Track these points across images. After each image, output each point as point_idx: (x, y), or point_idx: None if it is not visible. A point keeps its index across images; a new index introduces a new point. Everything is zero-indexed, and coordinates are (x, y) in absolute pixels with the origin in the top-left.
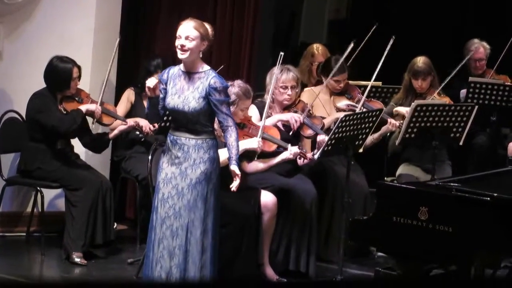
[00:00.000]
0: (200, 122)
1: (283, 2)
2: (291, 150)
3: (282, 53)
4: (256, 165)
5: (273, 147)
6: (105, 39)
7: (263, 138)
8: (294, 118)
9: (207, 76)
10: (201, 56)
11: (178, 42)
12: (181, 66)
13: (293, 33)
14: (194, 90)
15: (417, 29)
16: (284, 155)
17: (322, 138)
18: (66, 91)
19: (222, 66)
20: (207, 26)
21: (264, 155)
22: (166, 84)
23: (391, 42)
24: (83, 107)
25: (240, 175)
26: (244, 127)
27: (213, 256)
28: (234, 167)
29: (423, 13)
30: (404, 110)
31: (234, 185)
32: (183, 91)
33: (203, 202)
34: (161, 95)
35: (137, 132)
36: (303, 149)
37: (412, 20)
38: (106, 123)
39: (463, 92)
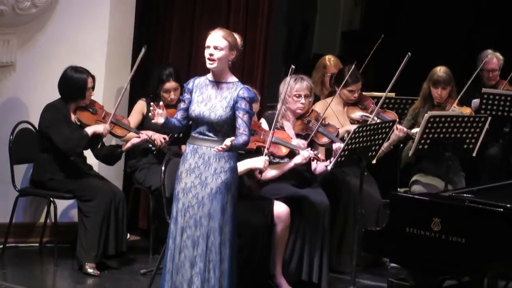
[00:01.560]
0: (222, 131)
1: (296, 13)
2: (304, 154)
3: (293, 66)
4: (270, 172)
5: (286, 151)
6: (118, 50)
7: (275, 143)
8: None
9: (236, 87)
10: (230, 66)
11: (207, 52)
12: (209, 76)
13: (306, 44)
14: (222, 99)
15: (429, 40)
16: (297, 159)
17: (338, 145)
18: (80, 102)
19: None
20: (236, 36)
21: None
22: (191, 93)
23: (406, 58)
24: (90, 130)
25: (227, 147)
26: (255, 134)
27: (232, 266)
28: (228, 141)
29: (435, 24)
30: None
31: (221, 147)
32: (210, 99)
33: (222, 212)
34: (182, 105)
35: (150, 145)
36: (316, 151)
37: (424, 31)
38: (119, 135)
39: (474, 101)
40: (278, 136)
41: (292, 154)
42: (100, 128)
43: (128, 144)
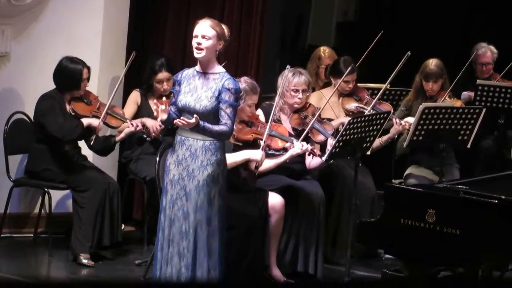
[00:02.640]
0: (209, 122)
1: (290, 5)
2: (300, 146)
3: (289, 66)
4: (266, 163)
5: (282, 144)
6: (113, 41)
7: (271, 135)
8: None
9: (222, 78)
10: (217, 56)
11: (194, 41)
12: (197, 67)
13: (301, 35)
14: (208, 89)
15: (425, 31)
16: (293, 151)
17: (332, 142)
18: (75, 92)
19: (224, 63)
20: (224, 26)
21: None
22: (180, 85)
23: (406, 57)
24: (85, 121)
25: (188, 123)
26: (252, 125)
27: (220, 258)
28: (195, 119)
29: (431, 15)
30: (411, 120)
31: (179, 120)
32: (196, 90)
33: (209, 204)
34: (173, 98)
35: (144, 136)
36: (312, 146)
37: (419, 22)
38: (114, 126)
39: (464, 94)
40: (275, 129)
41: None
42: (95, 122)
43: (122, 134)
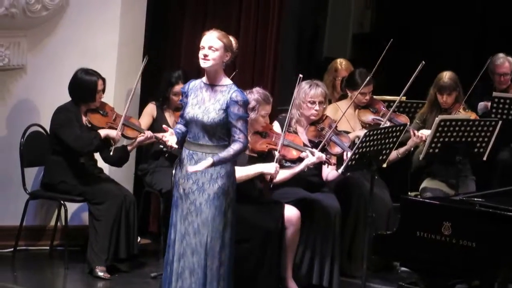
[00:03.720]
0: (217, 134)
1: (306, 16)
2: (315, 155)
3: (301, 76)
4: (282, 174)
5: (297, 154)
6: (129, 53)
7: (286, 145)
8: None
9: (229, 90)
10: (224, 67)
11: (201, 52)
12: (204, 78)
13: (317, 47)
14: (216, 102)
15: (440, 43)
16: (308, 161)
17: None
18: (91, 104)
19: (234, 72)
20: (231, 38)
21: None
22: (187, 96)
23: (420, 66)
24: (103, 132)
25: (205, 166)
26: (267, 136)
27: (230, 269)
28: (209, 160)
29: (446, 26)
30: (427, 132)
31: (192, 168)
32: (204, 102)
33: (221, 217)
34: (182, 111)
35: (161, 146)
36: (328, 155)
37: (435, 33)
38: (130, 137)
39: (481, 104)
40: (290, 139)
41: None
42: (113, 133)
43: (135, 143)
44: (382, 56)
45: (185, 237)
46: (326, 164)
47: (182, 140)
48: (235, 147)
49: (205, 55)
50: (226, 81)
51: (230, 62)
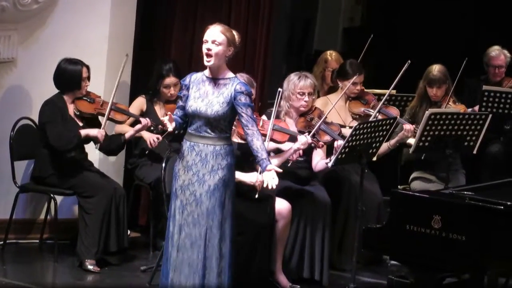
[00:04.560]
0: (219, 127)
1: (297, 10)
2: (304, 138)
3: (280, 89)
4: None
5: (286, 137)
6: (120, 46)
7: (274, 130)
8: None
9: (233, 83)
10: (226, 62)
11: (204, 46)
12: (205, 72)
13: (307, 41)
14: (219, 95)
15: (430, 37)
16: (297, 145)
17: (340, 143)
18: (77, 92)
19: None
20: (234, 32)
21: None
22: (188, 89)
23: (406, 65)
24: (83, 132)
25: (277, 171)
26: None
27: (231, 262)
28: (271, 166)
29: (436, 20)
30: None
31: (273, 184)
32: (207, 95)
33: (220, 208)
34: (180, 102)
35: (152, 128)
36: (315, 138)
37: (425, 28)
38: (119, 121)
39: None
40: (278, 124)
41: (292, 140)
42: (94, 131)
43: (131, 131)
44: (365, 48)
45: (184, 228)
46: (315, 147)
47: (179, 128)
48: (260, 139)
49: (209, 49)
50: (229, 74)
51: (232, 55)
